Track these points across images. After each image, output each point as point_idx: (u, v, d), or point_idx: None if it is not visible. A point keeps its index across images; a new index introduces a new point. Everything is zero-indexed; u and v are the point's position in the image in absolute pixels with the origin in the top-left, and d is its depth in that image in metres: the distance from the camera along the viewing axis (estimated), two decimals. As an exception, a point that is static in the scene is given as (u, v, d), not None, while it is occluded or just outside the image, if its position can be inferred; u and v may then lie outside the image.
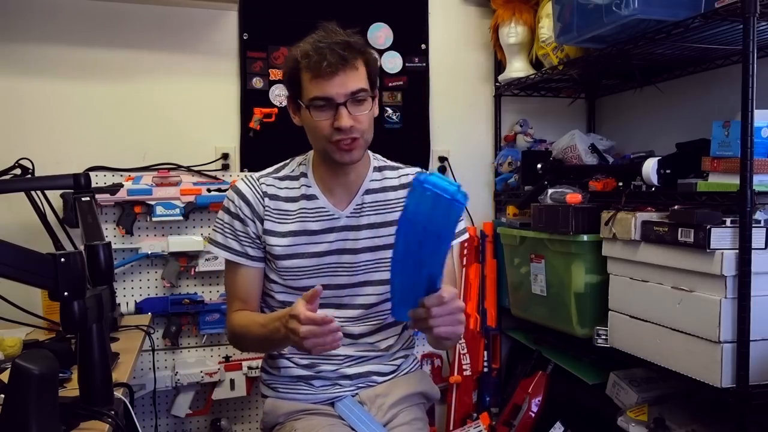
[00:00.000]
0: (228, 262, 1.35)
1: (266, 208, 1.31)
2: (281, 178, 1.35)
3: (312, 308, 1.08)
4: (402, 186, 1.37)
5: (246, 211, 1.31)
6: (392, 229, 1.32)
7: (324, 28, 1.25)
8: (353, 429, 1.29)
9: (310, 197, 1.32)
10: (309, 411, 1.33)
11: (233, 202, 1.32)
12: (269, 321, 1.23)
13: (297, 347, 1.12)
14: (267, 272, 1.36)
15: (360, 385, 1.36)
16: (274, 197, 1.32)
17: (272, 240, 1.30)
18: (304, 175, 1.34)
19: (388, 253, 1.29)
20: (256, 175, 1.35)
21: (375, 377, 1.37)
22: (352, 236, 1.32)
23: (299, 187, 1.33)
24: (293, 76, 1.25)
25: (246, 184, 1.33)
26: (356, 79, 1.21)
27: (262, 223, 1.31)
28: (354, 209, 1.33)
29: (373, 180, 1.36)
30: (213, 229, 1.36)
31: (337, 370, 1.34)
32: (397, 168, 1.41)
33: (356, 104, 1.22)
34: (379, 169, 1.38)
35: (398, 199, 1.35)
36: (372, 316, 1.37)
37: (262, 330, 1.24)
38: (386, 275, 1.33)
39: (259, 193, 1.31)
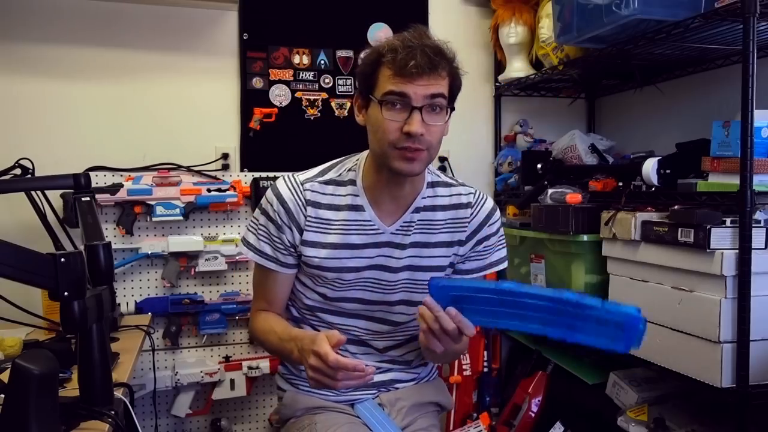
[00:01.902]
0: (258, 263, 1.29)
1: (307, 218, 1.22)
2: (326, 183, 1.24)
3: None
4: (452, 206, 1.28)
5: (284, 218, 1.22)
6: (435, 251, 1.26)
7: (417, 28, 1.14)
8: (371, 430, 1.28)
9: (356, 208, 1.23)
10: (328, 408, 1.32)
11: (272, 205, 1.23)
12: (286, 339, 1.20)
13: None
14: (300, 276, 1.30)
15: (381, 389, 1.35)
16: (315, 204, 1.23)
17: (310, 251, 1.23)
18: (352, 182, 1.24)
19: (427, 275, 1.25)
20: (301, 178, 1.24)
21: (396, 384, 1.37)
22: (396, 254, 1.25)
23: (345, 195, 1.24)
24: (370, 70, 1.14)
25: (288, 188, 1.23)
26: (439, 85, 1.11)
27: (301, 234, 1.23)
28: (401, 226, 1.24)
29: (424, 197, 1.26)
30: (247, 229, 1.29)
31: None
32: (450, 185, 1.30)
33: (432, 113, 1.12)
34: (433, 185, 1.28)
35: (446, 220, 1.27)
36: (399, 332, 1.34)
37: (278, 343, 1.22)
38: (422, 296, 1.20)
39: (301, 201, 1.22)
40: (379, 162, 1.18)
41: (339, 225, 1.23)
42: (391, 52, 1.10)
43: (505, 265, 1.35)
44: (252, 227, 1.28)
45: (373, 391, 1.34)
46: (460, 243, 1.29)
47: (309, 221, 1.23)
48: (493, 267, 1.34)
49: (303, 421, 1.31)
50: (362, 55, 1.19)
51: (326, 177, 1.25)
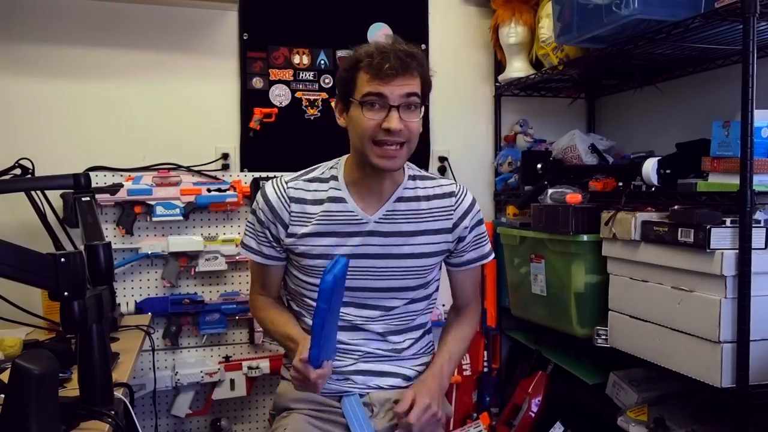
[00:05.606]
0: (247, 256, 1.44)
1: (291, 214, 1.33)
2: (311, 180, 1.37)
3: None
4: (436, 196, 1.38)
5: (269, 216, 1.35)
6: (423, 239, 1.36)
7: (389, 37, 1.28)
8: (348, 428, 1.30)
9: (336, 200, 1.33)
10: (313, 400, 1.35)
11: (258, 204, 1.37)
12: (282, 336, 1.38)
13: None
14: (291, 269, 1.41)
15: (371, 384, 1.37)
16: (300, 201, 1.34)
17: (295, 241, 1.33)
18: (334, 178, 1.36)
19: (418, 262, 1.37)
20: (287, 178, 1.37)
21: (389, 378, 1.38)
22: (379, 242, 1.34)
23: (327, 190, 1.35)
24: (349, 76, 1.25)
25: (273, 189, 1.35)
26: (412, 85, 1.23)
27: (287, 229, 1.34)
28: (384, 215, 1.34)
29: (406, 188, 1.37)
30: (245, 232, 1.42)
31: (353, 365, 1.36)
32: (432, 178, 1.42)
33: (408, 110, 1.23)
34: (413, 177, 1.39)
35: (431, 208, 1.37)
36: (395, 317, 1.39)
37: (274, 334, 1.42)
38: (411, 282, 1.38)
39: (285, 199, 1.34)
40: (360, 159, 1.29)
41: (321, 216, 1.33)
42: (367, 57, 1.22)
43: (492, 258, 1.50)
44: (246, 226, 1.42)
45: (363, 386, 1.36)
46: (448, 231, 1.39)
47: (293, 216, 1.34)
48: (484, 259, 1.47)
49: (279, 421, 1.36)
50: (340, 61, 1.30)
51: (310, 176, 1.38)
